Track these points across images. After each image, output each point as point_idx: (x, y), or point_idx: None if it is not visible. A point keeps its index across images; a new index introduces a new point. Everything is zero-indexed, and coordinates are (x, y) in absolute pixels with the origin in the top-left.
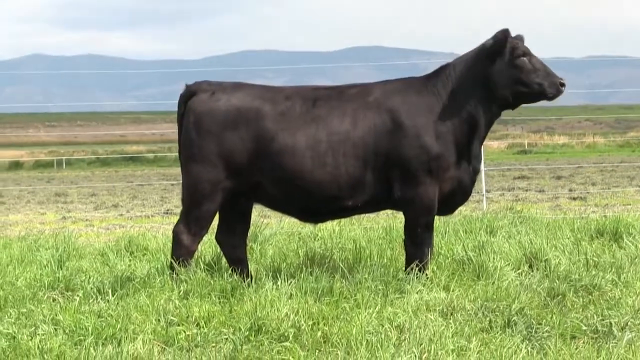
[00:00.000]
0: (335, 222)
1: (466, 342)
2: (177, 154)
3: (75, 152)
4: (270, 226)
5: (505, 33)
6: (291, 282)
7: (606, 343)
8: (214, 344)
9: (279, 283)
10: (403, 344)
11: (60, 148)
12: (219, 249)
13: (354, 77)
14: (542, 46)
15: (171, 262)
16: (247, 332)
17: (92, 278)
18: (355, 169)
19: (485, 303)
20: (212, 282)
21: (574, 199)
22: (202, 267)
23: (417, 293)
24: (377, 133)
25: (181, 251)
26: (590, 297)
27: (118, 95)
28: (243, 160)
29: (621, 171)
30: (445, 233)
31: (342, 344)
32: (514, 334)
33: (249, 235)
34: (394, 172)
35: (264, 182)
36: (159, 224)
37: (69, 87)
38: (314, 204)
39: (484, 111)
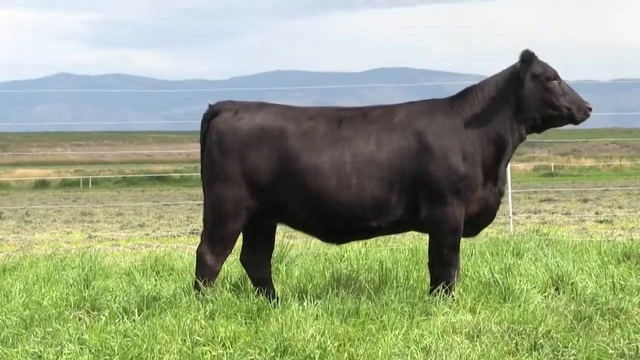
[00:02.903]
0: (362, 243)
1: None
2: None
3: (102, 172)
4: (296, 247)
5: (529, 53)
6: (317, 302)
7: None
8: None
9: (305, 304)
10: None
11: (87, 167)
12: (243, 268)
13: (381, 98)
14: (569, 69)
15: (195, 282)
16: (273, 353)
17: (118, 297)
18: (380, 190)
19: (511, 326)
20: (238, 302)
21: (601, 222)
22: (228, 287)
23: (443, 315)
24: (403, 154)
25: (205, 271)
26: (617, 320)
27: (146, 115)
28: (266, 180)
29: None
30: (472, 255)
31: None
32: (541, 357)
33: (274, 255)
34: (421, 193)
35: (288, 202)
36: (184, 244)
37: (97, 106)
38: (338, 224)
39: (511, 133)
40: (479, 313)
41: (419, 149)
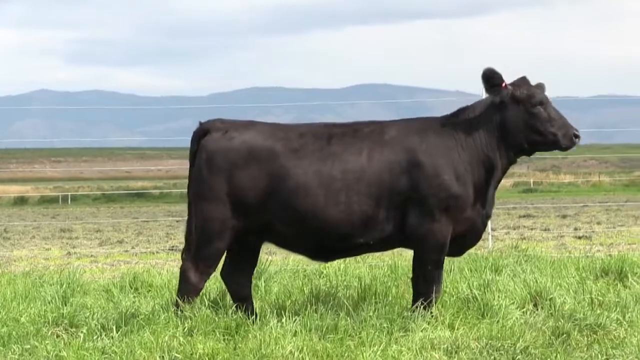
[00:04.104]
0: (341, 259)
1: None
2: (183, 190)
3: (81, 188)
4: (275, 263)
5: (487, 74)
6: (296, 319)
7: None
8: None
9: (283, 320)
10: None
11: (65, 184)
12: (223, 286)
13: (361, 114)
14: (549, 86)
15: (177, 300)
16: None
17: (96, 314)
18: (368, 206)
19: (489, 342)
20: (216, 319)
21: (579, 237)
22: (206, 304)
23: (422, 331)
24: (393, 171)
25: (188, 289)
26: (595, 336)
27: (125, 132)
28: (254, 200)
29: (626, 210)
30: (451, 271)
31: None
32: None
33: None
34: (410, 209)
35: (275, 221)
36: (164, 261)
37: (75, 123)
38: (326, 242)
39: (500, 156)
40: (457, 329)
41: (409, 166)
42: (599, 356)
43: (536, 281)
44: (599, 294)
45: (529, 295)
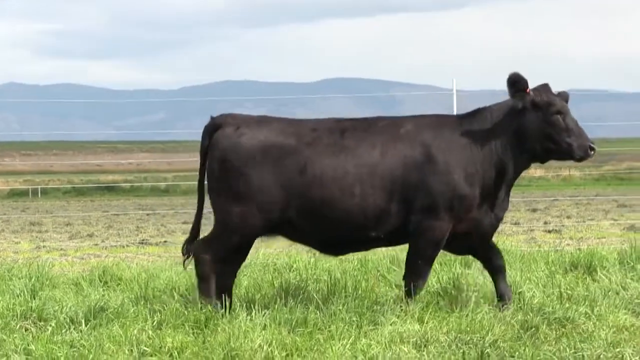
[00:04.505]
0: (310, 253)
1: None
2: (154, 183)
3: (51, 181)
4: None
5: (511, 83)
6: (265, 313)
7: None
8: None
9: (253, 314)
10: None
11: (35, 177)
12: (193, 279)
13: (333, 108)
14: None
15: (198, 292)
16: None
17: (65, 308)
18: (382, 200)
19: (459, 335)
20: (186, 312)
21: (549, 231)
22: (176, 297)
23: (391, 325)
24: (407, 165)
25: (207, 279)
26: (563, 330)
27: (96, 125)
28: (269, 195)
29: (596, 204)
30: None
31: None
32: None
33: None
34: (416, 203)
35: (291, 215)
36: (133, 254)
37: (46, 116)
38: (340, 234)
39: (514, 160)
40: (426, 323)
41: (422, 161)
42: (567, 350)
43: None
44: (568, 288)
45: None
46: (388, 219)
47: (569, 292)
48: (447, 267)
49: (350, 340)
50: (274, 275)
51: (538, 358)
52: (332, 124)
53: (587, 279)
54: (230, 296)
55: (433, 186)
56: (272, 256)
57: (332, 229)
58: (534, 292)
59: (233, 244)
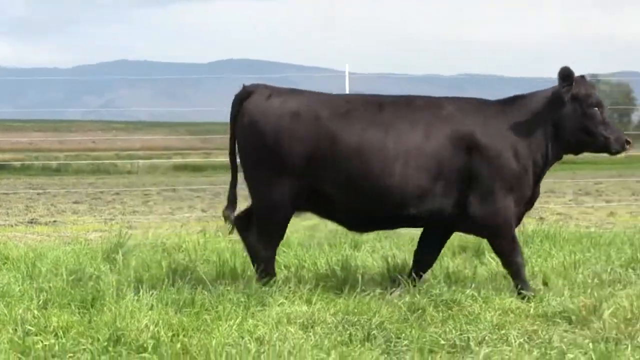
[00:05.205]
0: (201, 234)
1: (325, 355)
2: (45, 162)
3: None
4: (134, 237)
5: (567, 72)
6: (153, 293)
7: (463, 357)
8: (71, 355)
9: (140, 294)
10: (262, 356)
11: None
12: (80, 258)
13: (228, 89)
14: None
15: (257, 275)
16: (106, 343)
17: None
18: (424, 180)
19: (346, 316)
20: (72, 292)
21: None
22: (63, 277)
23: (279, 306)
24: (451, 147)
25: (261, 262)
26: (450, 312)
27: None
28: (301, 164)
29: None
30: (310, 247)
31: (201, 356)
32: (373, 347)
33: (111, 247)
34: (473, 191)
35: (321, 187)
36: (22, 233)
37: None
38: (374, 209)
39: (548, 150)
40: (314, 304)
41: (469, 144)
42: (453, 331)
43: (394, 257)
44: (456, 270)
45: (387, 271)
46: (430, 199)
47: (456, 274)
48: (336, 248)
49: (238, 320)
50: (163, 256)
51: (424, 339)
52: (369, 97)
53: (475, 261)
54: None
55: (487, 171)
56: (161, 236)
57: (366, 204)
58: (421, 274)
59: (279, 220)
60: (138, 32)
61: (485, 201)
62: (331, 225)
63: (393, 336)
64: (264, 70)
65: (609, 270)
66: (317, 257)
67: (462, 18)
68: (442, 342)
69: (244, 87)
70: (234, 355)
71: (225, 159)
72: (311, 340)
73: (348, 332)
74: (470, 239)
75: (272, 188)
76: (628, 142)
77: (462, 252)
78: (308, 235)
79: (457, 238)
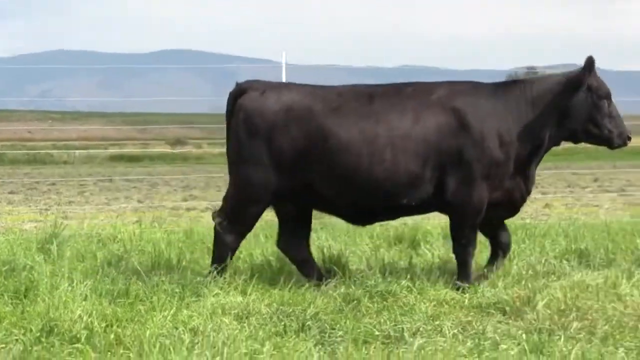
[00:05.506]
0: (136, 225)
1: (259, 346)
2: None
3: None
4: (70, 227)
5: (592, 61)
6: (87, 283)
7: (397, 348)
8: (3, 345)
9: (74, 284)
10: (196, 346)
11: None
12: (14, 248)
13: (169, 80)
14: (355, 55)
15: (212, 260)
16: (39, 334)
17: None
18: (414, 166)
19: (281, 307)
20: (6, 282)
21: None
22: None
23: (214, 296)
24: (440, 131)
25: (224, 249)
26: (385, 303)
27: None
28: (295, 160)
29: None
30: (246, 238)
31: (134, 346)
32: (308, 338)
33: (45, 236)
34: (451, 172)
35: (316, 182)
36: None
37: None
38: (368, 202)
39: (549, 137)
40: (249, 295)
41: (456, 127)
42: (388, 322)
43: (330, 248)
44: (391, 261)
45: (322, 262)
46: (421, 186)
47: (392, 265)
48: (272, 240)
49: (172, 311)
50: (98, 247)
51: (358, 330)
52: (361, 89)
53: (411, 253)
54: (313, 264)
55: (470, 154)
56: (97, 227)
57: (361, 197)
58: (357, 265)
59: (254, 214)
60: (79, 21)
61: (462, 185)
62: (267, 217)
63: (328, 327)
64: (205, 61)
65: (543, 261)
66: (252, 248)
67: (402, 10)
68: (377, 333)
69: (238, 84)
70: (168, 346)
71: (162, 149)
72: (245, 331)
73: (283, 323)
74: (406, 230)
75: (258, 183)
76: (629, 138)
77: (398, 243)
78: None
79: (393, 229)
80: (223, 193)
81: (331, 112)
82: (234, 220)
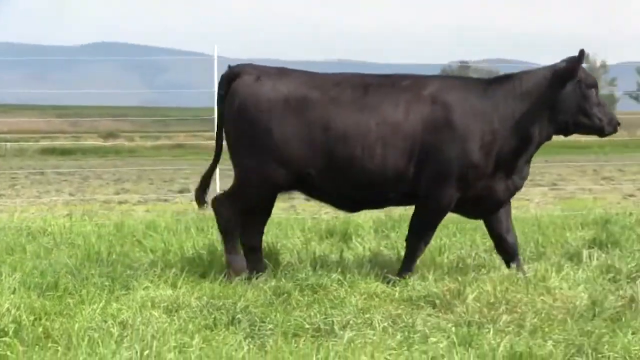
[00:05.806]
0: (67, 218)
1: (189, 339)
2: None
3: None
4: (0, 220)
5: (581, 56)
6: (15, 276)
7: (327, 341)
8: None
9: (2, 277)
10: (125, 340)
11: None
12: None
13: (98, 72)
14: (286, 49)
15: (222, 237)
16: None
17: None
18: (401, 160)
19: (211, 300)
20: None
21: (309, 200)
22: None
23: (143, 290)
24: (427, 126)
25: (227, 223)
26: (315, 296)
27: None
28: (291, 149)
29: None
30: (177, 231)
31: (63, 340)
32: (237, 331)
33: None
34: (430, 168)
35: (311, 171)
36: None
37: None
38: (359, 193)
39: (539, 131)
40: (179, 288)
41: (442, 123)
42: (318, 315)
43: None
44: (322, 255)
45: None
46: (406, 180)
47: (323, 259)
48: (203, 233)
49: (101, 304)
50: (28, 239)
51: (288, 323)
52: (357, 79)
53: (342, 246)
54: (261, 259)
55: (449, 152)
56: (27, 220)
57: (352, 187)
58: (288, 258)
59: (253, 198)
60: (5, 13)
61: (435, 182)
62: (200, 210)
63: (258, 320)
64: (135, 54)
65: (473, 255)
66: (183, 241)
67: (336, 3)
68: (307, 326)
69: (230, 67)
70: (96, 339)
71: (94, 142)
72: (175, 324)
73: (213, 316)
74: (338, 224)
75: (261, 171)
76: (619, 124)
77: (330, 236)
78: (175, 219)
79: (324, 223)
80: (155, 186)
81: (327, 102)
82: (233, 199)
